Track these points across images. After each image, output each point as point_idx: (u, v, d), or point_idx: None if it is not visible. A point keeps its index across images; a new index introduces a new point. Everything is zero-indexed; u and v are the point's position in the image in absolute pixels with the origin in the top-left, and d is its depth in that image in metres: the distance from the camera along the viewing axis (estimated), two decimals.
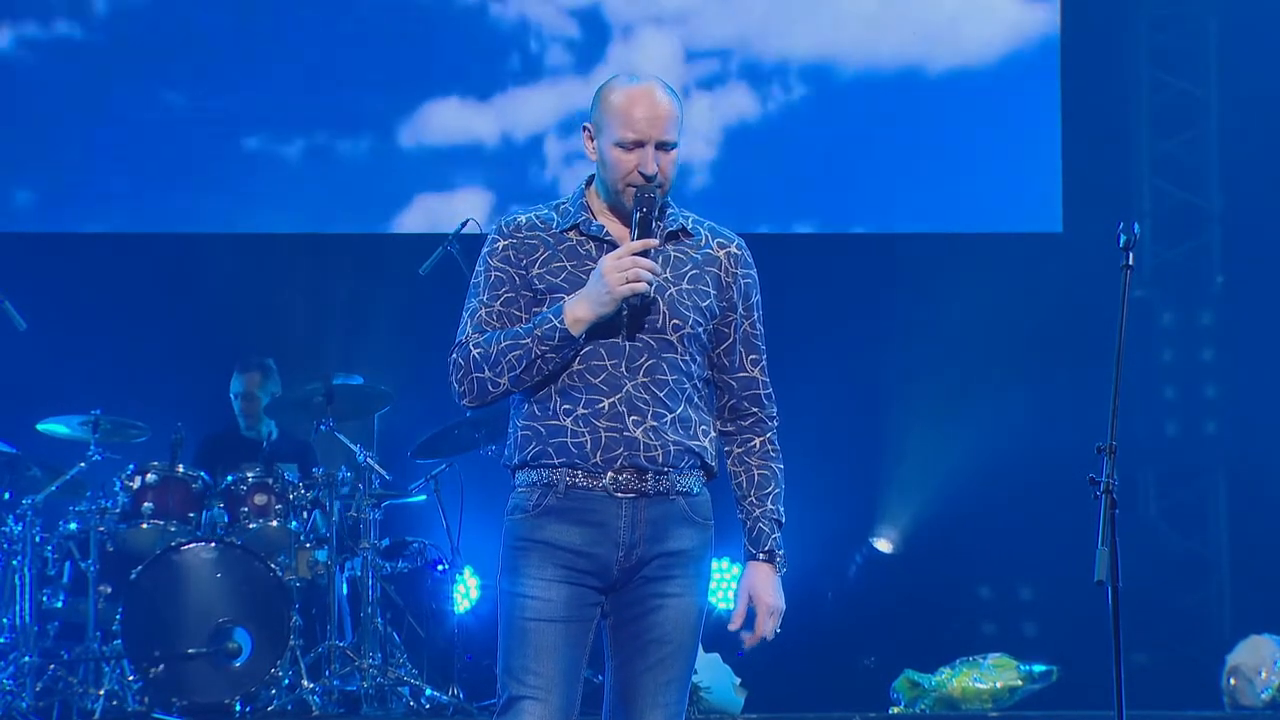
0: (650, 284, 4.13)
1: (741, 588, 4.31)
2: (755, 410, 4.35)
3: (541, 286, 4.22)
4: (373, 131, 10.31)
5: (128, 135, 10.14)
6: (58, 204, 10.22)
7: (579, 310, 4.12)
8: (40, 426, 8.76)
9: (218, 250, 10.23)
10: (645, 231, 4.17)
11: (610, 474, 4.16)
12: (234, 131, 10.22)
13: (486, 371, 4.18)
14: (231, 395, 9.56)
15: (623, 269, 4.10)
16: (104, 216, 10.26)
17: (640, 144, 4.18)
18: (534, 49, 10.37)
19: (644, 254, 4.14)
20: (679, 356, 4.22)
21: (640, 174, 4.19)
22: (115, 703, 8.25)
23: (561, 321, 4.12)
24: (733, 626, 4.32)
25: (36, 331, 8.79)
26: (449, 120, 10.31)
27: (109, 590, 8.47)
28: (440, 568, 9.01)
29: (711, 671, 8.58)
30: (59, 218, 10.22)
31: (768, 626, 4.29)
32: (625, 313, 4.15)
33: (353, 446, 8.66)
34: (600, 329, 4.15)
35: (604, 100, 4.24)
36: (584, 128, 4.29)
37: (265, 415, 9.41)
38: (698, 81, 10.34)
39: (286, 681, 8.33)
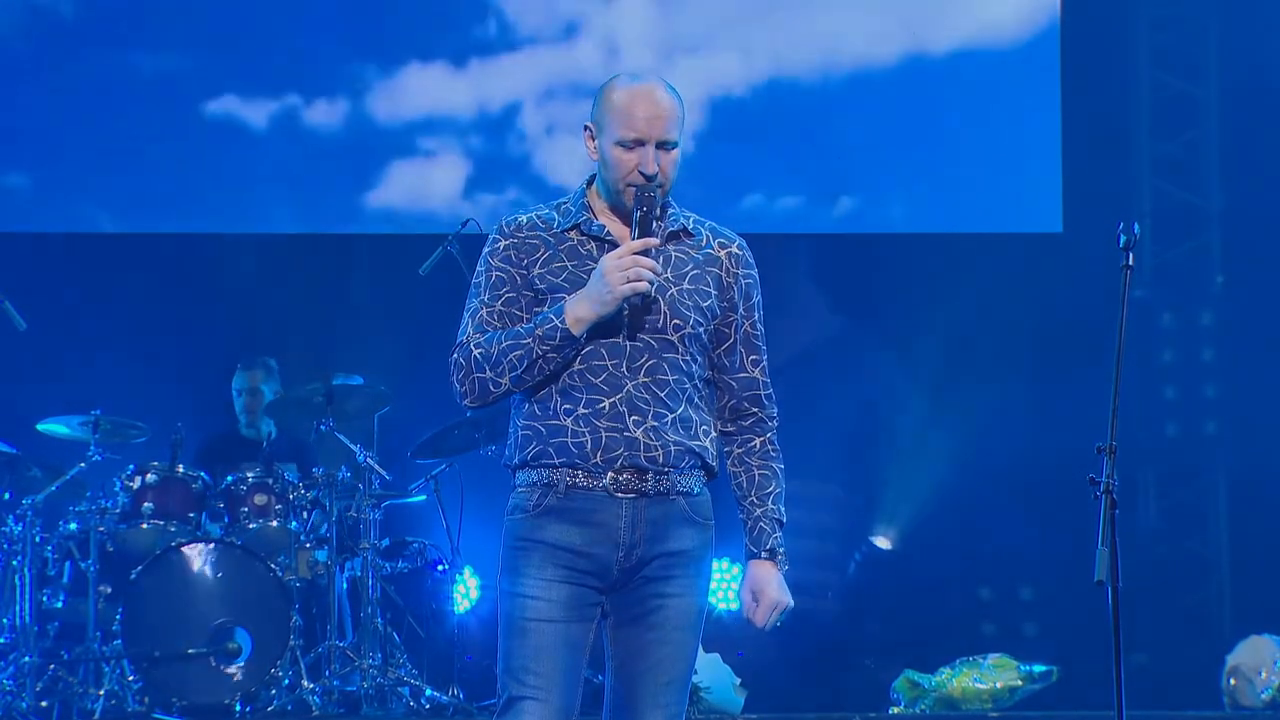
0: (651, 284, 4.13)
1: (744, 587, 4.32)
2: (755, 410, 4.35)
3: (542, 286, 4.22)
4: (347, 100, 10.23)
5: (95, 108, 10.11)
6: (39, 188, 10.20)
7: (580, 310, 4.12)
8: (40, 426, 8.76)
9: (218, 250, 10.23)
10: (645, 231, 4.17)
11: (610, 474, 4.16)
12: (197, 99, 10.14)
13: (488, 371, 4.18)
14: (234, 392, 9.55)
15: (623, 268, 4.10)
16: (72, 190, 10.20)
17: (641, 143, 4.18)
18: (510, 15, 10.28)
19: (645, 253, 4.14)
20: (680, 356, 4.22)
21: (641, 173, 4.19)
22: (115, 703, 8.24)
23: (562, 321, 4.12)
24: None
25: (36, 331, 8.79)
26: (424, 88, 10.22)
27: (109, 590, 8.47)
28: (440, 568, 9.01)
29: (711, 671, 8.58)
30: (43, 201, 10.20)
31: (770, 618, 4.29)
32: (626, 312, 4.15)
33: (353, 446, 8.66)
34: (601, 329, 4.15)
35: (605, 99, 4.24)
36: (585, 127, 4.29)
37: (266, 414, 9.42)
38: (680, 48, 10.25)
39: (286, 681, 8.33)
